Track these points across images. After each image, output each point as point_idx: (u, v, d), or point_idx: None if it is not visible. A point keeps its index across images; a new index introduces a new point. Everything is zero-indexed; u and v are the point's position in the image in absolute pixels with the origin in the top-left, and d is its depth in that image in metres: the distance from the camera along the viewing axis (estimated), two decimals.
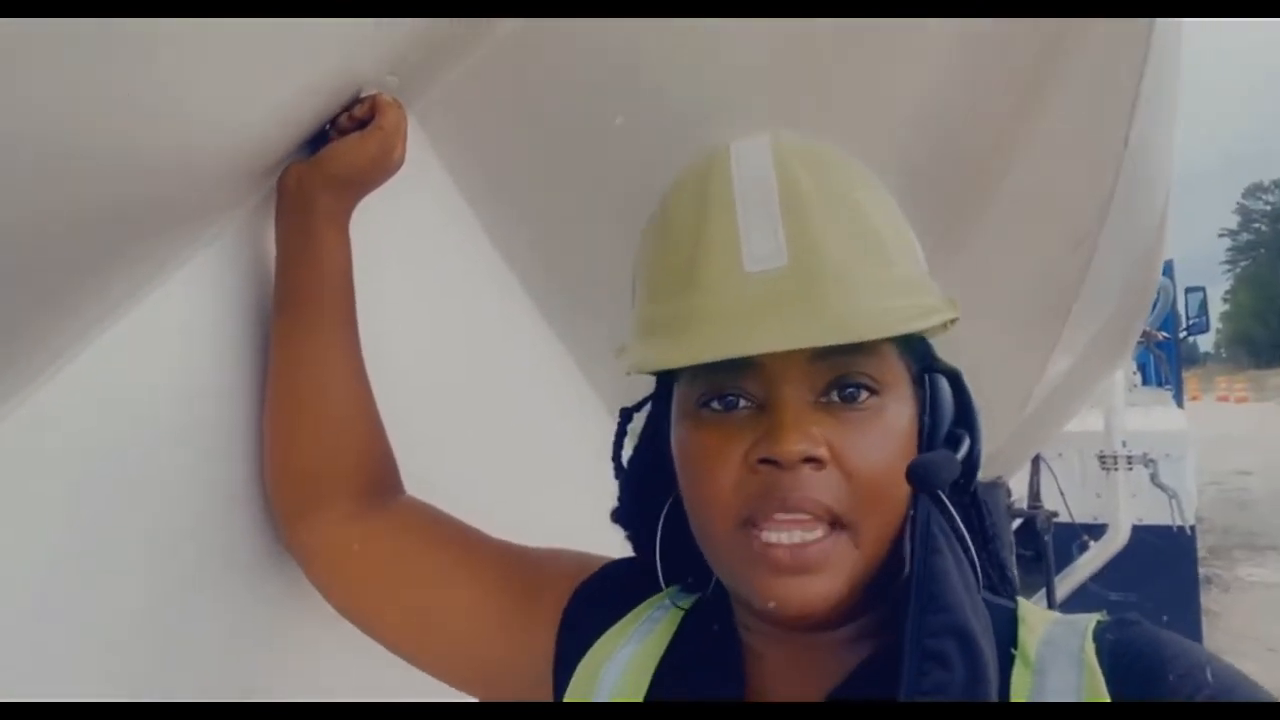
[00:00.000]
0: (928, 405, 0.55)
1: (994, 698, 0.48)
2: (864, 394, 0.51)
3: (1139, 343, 3.86)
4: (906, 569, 0.52)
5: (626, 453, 0.65)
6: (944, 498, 0.53)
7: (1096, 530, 3.57)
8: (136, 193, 0.53)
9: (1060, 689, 0.48)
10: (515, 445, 1.07)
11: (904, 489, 0.52)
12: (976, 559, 0.55)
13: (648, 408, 0.63)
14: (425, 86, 0.80)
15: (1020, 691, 0.48)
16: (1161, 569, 3.94)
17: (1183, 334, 8.22)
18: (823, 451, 0.49)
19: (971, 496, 0.57)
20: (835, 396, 0.51)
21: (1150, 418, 4.60)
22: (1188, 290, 8.06)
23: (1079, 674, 0.48)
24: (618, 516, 0.64)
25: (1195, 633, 4.07)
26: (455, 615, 0.68)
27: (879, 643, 0.54)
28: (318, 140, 0.70)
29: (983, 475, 0.57)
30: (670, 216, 0.56)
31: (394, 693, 0.74)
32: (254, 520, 0.71)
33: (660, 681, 0.58)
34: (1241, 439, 14.12)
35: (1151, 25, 0.88)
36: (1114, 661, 0.48)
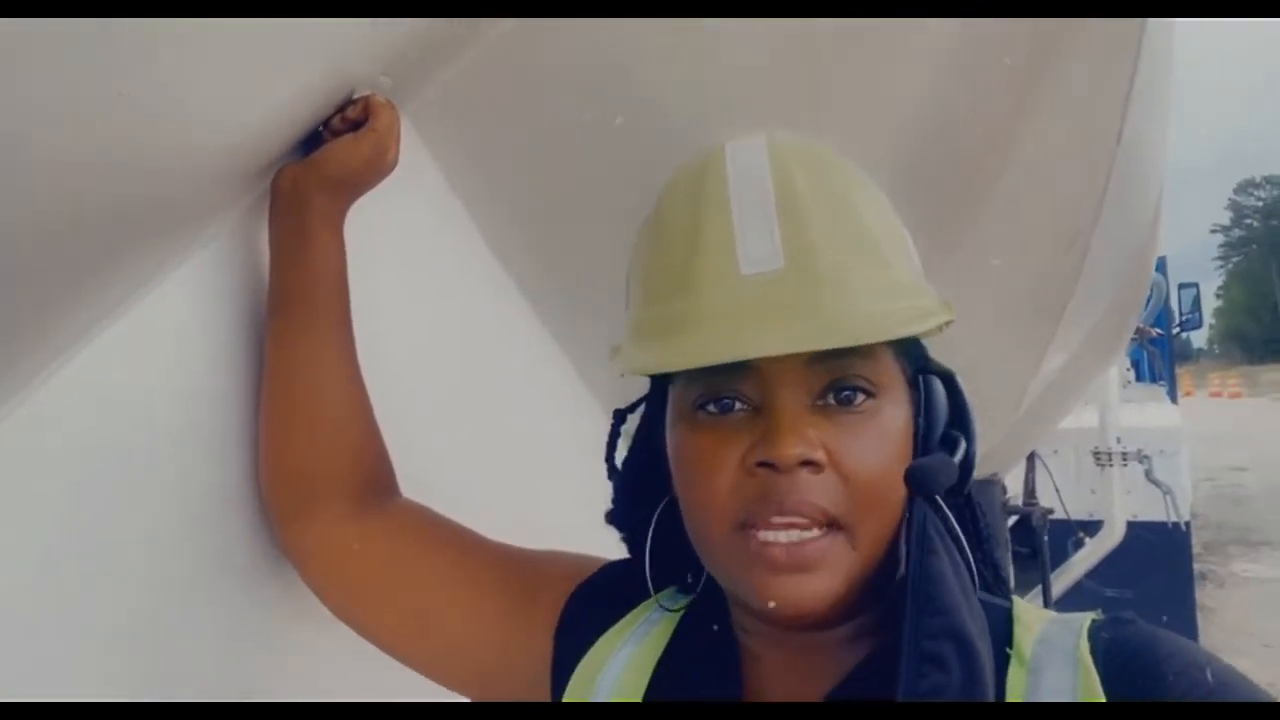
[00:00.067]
0: (923, 407, 0.55)
1: (990, 699, 0.48)
2: (860, 397, 0.52)
3: (1133, 339, 3.87)
4: (902, 570, 0.52)
5: (621, 454, 0.65)
6: (939, 499, 0.53)
7: (1092, 527, 3.58)
8: (135, 193, 0.53)
9: (1055, 688, 0.48)
10: (511, 446, 1.07)
11: (900, 491, 0.52)
12: (972, 559, 0.55)
13: (642, 409, 0.63)
14: (419, 87, 0.80)
15: (1016, 691, 0.49)
16: (1157, 565, 3.96)
17: (1176, 330, 8.25)
18: (820, 455, 0.49)
19: (966, 497, 0.57)
20: (831, 399, 0.51)
21: (1144, 414, 4.61)
22: (1181, 286, 8.09)
23: (1074, 673, 0.48)
24: (612, 518, 0.64)
25: (1191, 628, 4.09)
26: (452, 617, 0.68)
27: (876, 644, 0.54)
28: (311, 142, 0.70)
29: (978, 473, 0.57)
30: (665, 218, 0.56)
31: (392, 693, 0.74)
32: (251, 521, 0.71)
33: (658, 683, 0.58)
34: (1235, 435, 14.18)
35: (1144, 24, 0.89)
36: (1109, 660, 0.48)
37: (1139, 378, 6.63)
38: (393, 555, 0.70)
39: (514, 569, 0.69)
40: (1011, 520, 3.23)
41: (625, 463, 0.64)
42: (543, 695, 0.63)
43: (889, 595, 0.53)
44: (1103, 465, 3.52)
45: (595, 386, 1.21)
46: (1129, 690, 0.47)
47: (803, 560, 0.49)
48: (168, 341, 0.65)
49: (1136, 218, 1.56)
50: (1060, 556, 3.46)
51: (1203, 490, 8.81)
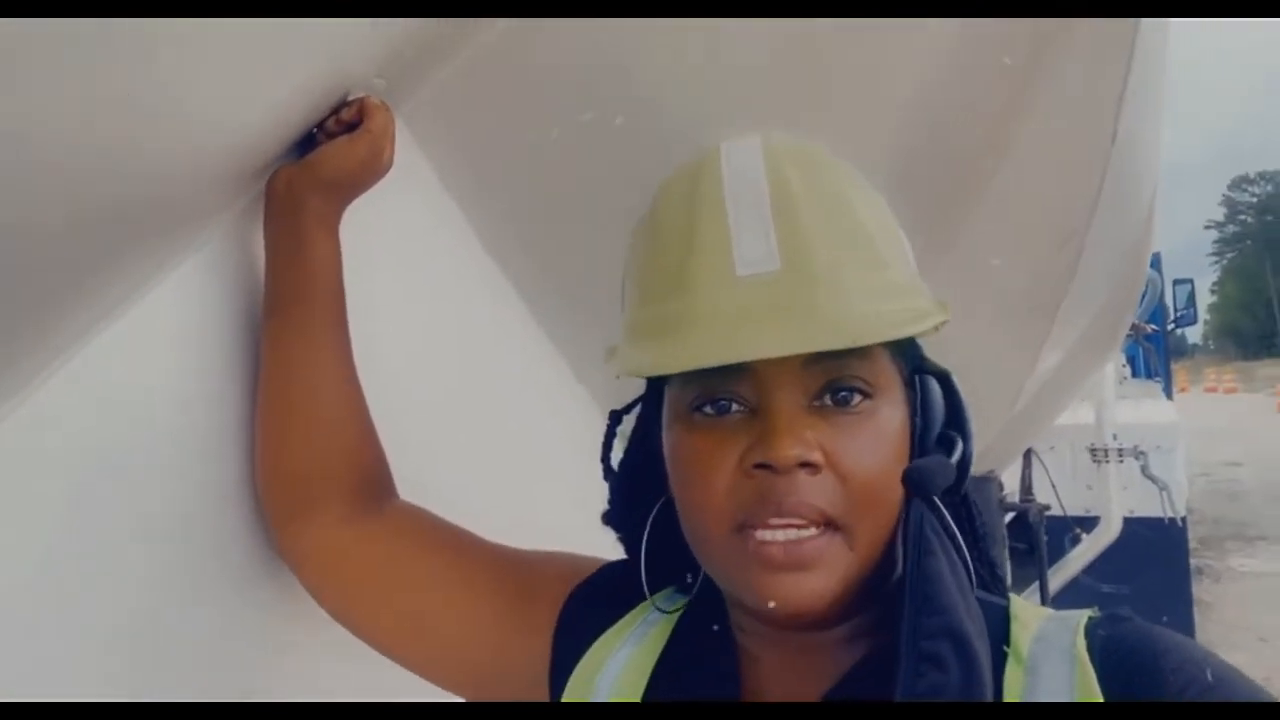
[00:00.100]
0: (919, 407, 0.55)
1: (989, 699, 0.48)
2: (857, 397, 0.52)
3: (1128, 335, 3.88)
4: (899, 570, 0.52)
5: (617, 455, 0.65)
6: (936, 499, 0.54)
7: (1088, 523, 3.59)
8: (130, 194, 0.53)
9: (1053, 686, 0.48)
10: (508, 447, 1.07)
11: (897, 492, 0.52)
12: (969, 558, 0.55)
13: (637, 410, 0.63)
14: (413, 88, 0.80)
15: (1013, 689, 0.49)
16: (1153, 561, 3.97)
17: (1171, 326, 8.28)
18: (817, 456, 0.49)
19: (963, 496, 0.57)
20: (828, 400, 0.51)
21: (1140, 410, 4.63)
22: (1175, 283, 8.11)
23: (1071, 670, 0.48)
24: (609, 519, 0.64)
25: (1187, 623, 4.10)
26: (449, 619, 0.68)
27: (874, 643, 0.54)
28: (304, 144, 0.70)
29: (975, 470, 0.57)
30: (660, 219, 0.56)
31: (391, 693, 0.74)
32: (248, 521, 0.71)
33: (656, 684, 0.58)
34: (1231, 430, 14.22)
35: (1137, 24, 0.89)
36: (1106, 657, 0.48)
37: (1135, 374, 6.66)
38: (389, 557, 0.70)
39: (511, 570, 0.69)
40: (1008, 517, 3.24)
41: (621, 463, 0.64)
42: (541, 696, 0.63)
43: (886, 595, 0.53)
44: (1099, 461, 3.53)
45: (592, 387, 1.21)
46: (1126, 687, 0.47)
47: (799, 559, 0.49)
48: (164, 343, 0.65)
49: (1131, 216, 1.57)
50: (1057, 553, 3.47)
51: (1198, 485, 8.83)
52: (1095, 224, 1.18)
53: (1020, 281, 1.28)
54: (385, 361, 0.79)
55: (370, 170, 0.70)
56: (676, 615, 0.61)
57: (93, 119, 0.44)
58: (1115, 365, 4.19)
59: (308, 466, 0.70)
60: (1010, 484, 3.33)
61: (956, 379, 0.57)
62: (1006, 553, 3.08)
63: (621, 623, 0.62)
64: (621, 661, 0.59)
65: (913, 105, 0.91)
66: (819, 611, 0.50)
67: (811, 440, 0.50)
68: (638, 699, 0.57)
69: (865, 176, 0.57)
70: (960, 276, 1.06)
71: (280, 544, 0.72)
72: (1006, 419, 1.88)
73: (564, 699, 0.60)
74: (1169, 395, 6.42)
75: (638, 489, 0.61)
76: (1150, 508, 3.80)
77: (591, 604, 0.64)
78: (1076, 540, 3.55)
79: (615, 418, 0.65)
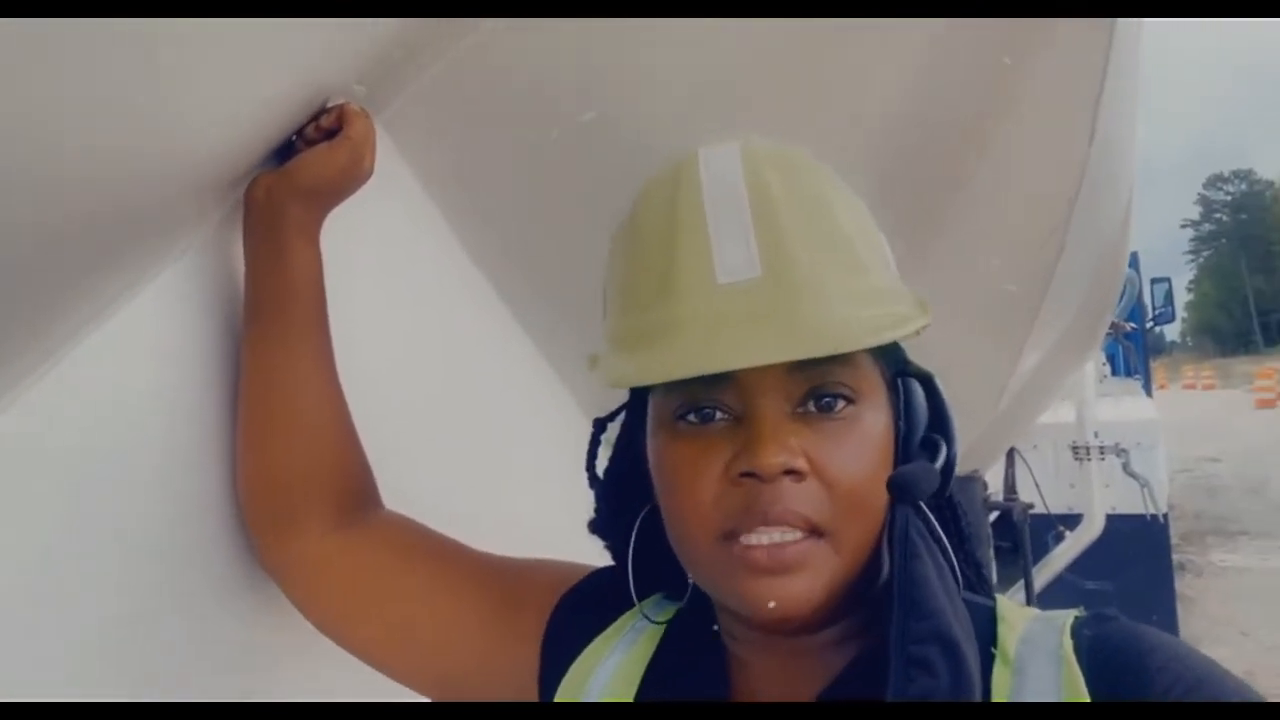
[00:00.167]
0: (903, 411, 0.55)
1: (978, 701, 0.48)
2: (841, 403, 0.52)
3: (1108, 334, 3.91)
4: (886, 574, 0.52)
5: (602, 463, 0.64)
6: (921, 503, 0.54)
7: (1071, 520, 3.61)
8: (107, 203, 0.52)
9: (1039, 686, 0.48)
10: (494, 454, 1.06)
11: (883, 496, 0.52)
12: (955, 560, 0.55)
13: (622, 417, 0.63)
14: (393, 94, 0.79)
15: (1000, 690, 0.49)
16: (1136, 557, 4.00)
17: (1150, 324, 8.36)
18: (801, 463, 0.50)
19: (948, 498, 0.57)
20: (812, 407, 0.51)
21: (1121, 408, 4.67)
22: (1153, 281, 8.21)
23: (1058, 671, 0.48)
24: (595, 527, 0.64)
25: (1171, 619, 4.13)
26: (437, 629, 0.67)
27: (862, 646, 0.54)
28: (283, 151, 0.70)
29: (959, 469, 0.57)
30: (640, 226, 0.55)
31: (390, 693, 0.73)
32: (230, 529, 0.71)
33: (646, 692, 0.58)
34: (1210, 426, 14.38)
35: (1114, 25, 0.90)
36: (1092, 657, 0.48)
37: (1114, 372, 6.71)
38: (375, 568, 0.69)
39: (498, 579, 0.68)
40: (993, 516, 3.26)
41: (606, 471, 0.63)
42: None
43: (873, 598, 0.53)
44: (1081, 459, 3.55)
45: (578, 392, 1.21)
46: (1112, 687, 0.47)
47: (783, 562, 0.49)
48: (143, 354, 0.64)
49: (1109, 215, 1.58)
50: (1041, 551, 3.49)
51: (1179, 481, 8.92)
52: (1074, 224, 1.20)
53: (1001, 282, 1.28)
54: (368, 369, 0.78)
55: (351, 178, 0.69)
56: (663, 621, 0.61)
57: (65, 126, 0.43)
58: (1095, 364, 4.22)
59: (290, 476, 0.69)
60: (994, 483, 3.35)
61: (939, 381, 0.57)
62: (991, 552, 3.10)
63: (610, 630, 0.62)
64: (610, 669, 0.59)
65: (892, 108, 0.91)
66: (804, 615, 0.50)
67: (796, 447, 0.50)
68: None
69: (846, 180, 0.58)
70: (942, 278, 1.07)
71: (263, 556, 0.71)
72: (990, 419, 1.89)
73: None
74: (1149, 393, 6.50)
75: (623, 497, 0.60)
76: (1132, 504, 3.83)
77: (579, 612, 0.64)
78: (1060, 538, 3.57)
79: (599, 425, 0.64)
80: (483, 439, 1.04)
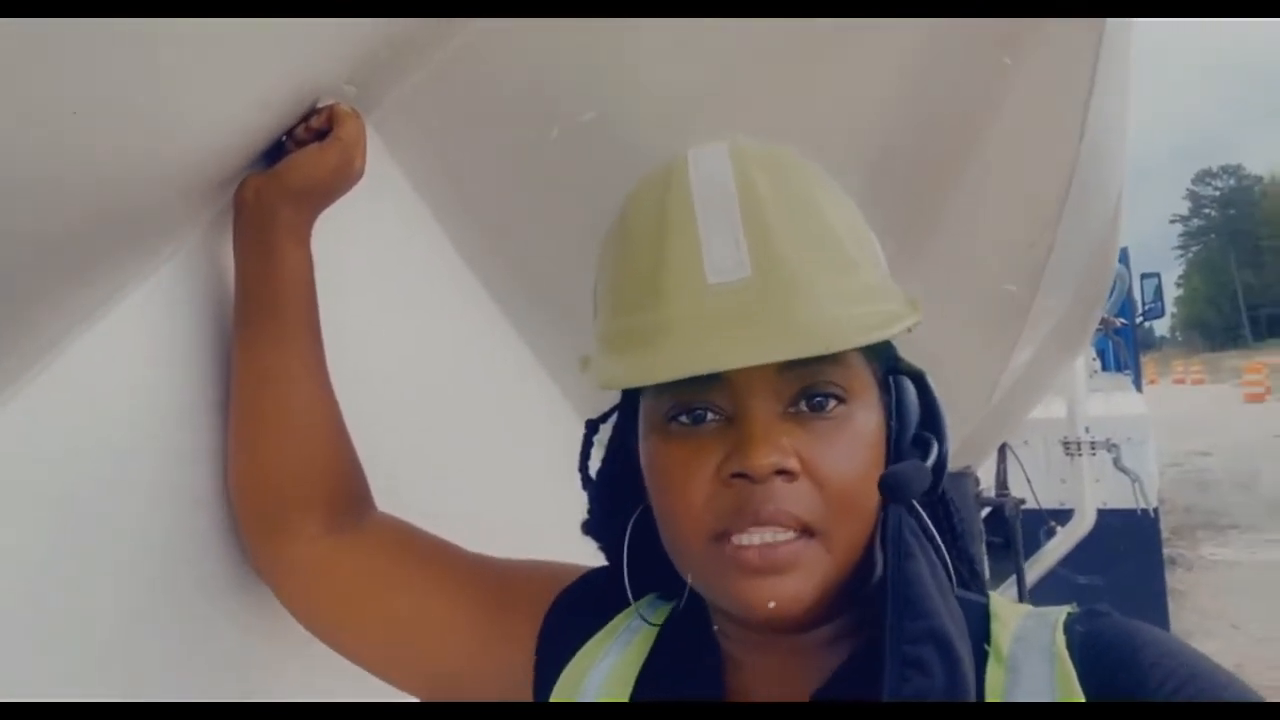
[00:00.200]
0: (894, 409, 0.55)
1: (972, 700, 0.48)
2: (832, 403, 0.52)
3: (1098, 329, 3.93)
4: (879, 571, 0.52)
5: (595, 464, 0.64)
6: (914, 500, 0.54)
7: (1063, 515, 3.62)
8: (95, 205, 0.52)
9: (1033, 684, 0.48)
10: (486, 455, 1.06)
11: (875, 495, 0.52)
12: (948, 557, 0.55)
13: (614, 418, 0.63)
14: (383, 94, 0.79)
15: (994, 687, 0.49)
16: (1127, 551, 4.02)
17: (1139, 320, 8.41)
18: (793, 463, 0.50)
19: (940, 495, 0.58)
20: (803, 406, 0.51)
21: (1111, 403, 4.69)
22: (1143, 276, 8.25)
23: (1051, 668, 0.48)
24: (589, 528, 0.64)
25: (1162, 612, 4.16)
26: (431, 632, 0.67)
27: (857, 644, 0.54)
28: (273, 152, 0.69)
29: (951, 466, 0.57)
30: (630, 227, 0.55)
31: (386, 694, 0.73)
32: (222, 534, 0.70)
33: (641, 692, 0.58)
34: (1199, 421, 14.46)
35: (1104, 23, 0.90)
36: (1085, 653, 0.49)
37: (1105, 367, 6.74)
38: (368, 571, 0.69)
39: (492, 581, 0.68)
40: (985, 512, 3.27)
41: (599, 473, 0.63)
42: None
43: (867, 596, 0.53)
44: (1072, 455, 3.57)
45: (570, 393, 1.21)
46: (1105, 682, 0.47)
47: (775, 562, 0.49)
48: (134, 356, 0.64)
49: (1100, 212, 1.59)
50: (1033, 546, 3.51)
51: (1169, 476, 8.97)
52: (1065, 221, 1.20)
53: (993, 280, 1.29)
54: (360, 370, 0.78)
55: (341, 178, 0.69)
56: (658, 623, 0.61)
57: (53, 127, 0.43)
58: (1086, 359, 4.24)
59: (281, 478, 0.69)
60: (986, 479, 3.36)
61: (931, 378, 0.57)
62: (984, 548, 3.11)
63: (604, 631, 0.62)
64: (605, 670, 0.59)
65: (883, 107, 0.91)
66: (796, 615, 0.50)
67: (788, 447, 0.50)
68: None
69: (838, 179, 0.58)
70: (934, 275, 1.07)
71: (256, 560, 0.71)
72: (982, 415, 1.90)
73: None
74: (1139, 388, 6.52)
75: (616, 498, 0.60)
76: (1123, 499, 3.85)
77: (574, 613, 0.64)
78: (1052, 533, 3.58)
79: (591, 427, 0.64)
80: (475, 440, 1.04)
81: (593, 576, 0.66)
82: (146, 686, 0.62)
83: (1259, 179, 74.77)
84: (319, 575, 0.69)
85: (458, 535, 0.72)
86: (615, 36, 0.78)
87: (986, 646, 0.51)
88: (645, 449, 0.55)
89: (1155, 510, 4.14)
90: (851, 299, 0.51)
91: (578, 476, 0.64)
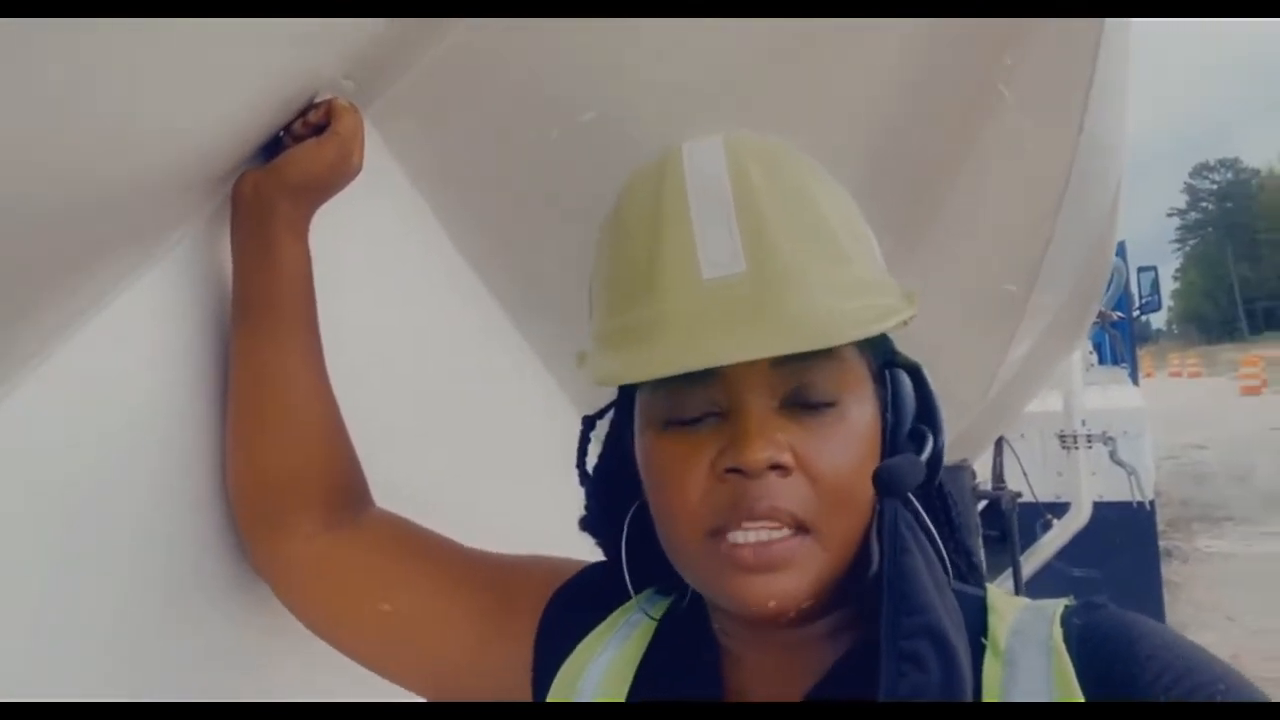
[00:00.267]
0: (890, 403, 0.55)
1: (969, 695, 0.48)
2: (827, 397, 0.52)
3: (1095, 323, 3.93)
4: (874, 566, 0.52)
5: (592, 460, 0.64)
6: (910, 494, 0.54)
7: (1059, 508, 3.63)
8: (94, 199, 0.52)
9: (1030, 678, 0.48)
10: (485, 451, 1.06)
11: (869, 490, 0.52)
12: (945, 550, 0.55)
13: (610, 414, 0.63)
14: (381, 89, 0.79)
15: (992, 681, 0.49)
16: (1123, 544, 4.03)
17: (1136, 313, 8.41)
18: (787, 458, 0.50)
19: (937, 488, 0.58)
20: (798, 401, 0.51)
21: (1107, 396, 4.70)
22: (1140, 270, 8.25)
23: (1048, 661, 0.49)
24: (586, 524, 0.64)
25: (1158, 605, 4.17)
26: (430, 628, 0.67)
27: (855, 639, 0.54)
28: (271, 147, 0.69)
29: (948, 458, 0.57)
30: (625, 222, 0.55)
31: (385, 693, 0.73)
32: (220, 531, 0.70)
33: (639, 688, 0.58)
34: (1196, 414, 14.49)
35: (1103, 20, 0.90)
36: (1081, 646, 0.49)
37: (1101, 360, 6.75)
38: (367, 568, 0.69)
39: (491, 576, 0.68)
40: (981, 505, 3.28)
41: (596, 468, 0.63)
42: (523, 700, 0.63)
43: (864, 590, 0.53)
44: (1068, 448, 3.58)
45: (568, 388, 1.21)
46: (1102, 675, 0.47)
47: (769, 560, 0.49)
48: (131, 351, 0.64)
49: (1097, 206, 1.59)
50: (1029, 539, 3.52)
51: (1165, 469, 8.99)
52: (1063, 215, 1.20)
53: (990, 273, 1.29)
54: (358, 366, 0.78)
55: (339, 173, 0.69)
56: (658, 617, 0.61)
57: (51, 122, 0.43)
58: (1082, 352, 4.25)
59: (279, 474, 0.69)
60: (982, 472, 3.36)
61: (927, 372, 0.57)
62: (980, 541, 3.12)
63: (603, 626, 0.62)
64: (604, 666, 0.59)
65: (882, 101, 0.91)
66: (791, 611, 0.50)
67: (782, 442, 0.50)
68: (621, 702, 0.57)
69: (836, 173, 0.58)
70: (931, 269, 1.07)
71: (254, 557, 0.70)
72: (979, 409, 1.90)
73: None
74: (1135, 381, 6.53)
75: (613, 493, 0.60)
76: (1119, 492, 3.86)
77: (572, 608, 0.64)
78: (1048, 526, 3.59)
79: (588, 423, 0.64)
80: (474, 436, 1.04)
81: (591, 571, 0.66)
82: (146, 686, 0.62)
83: (1256, 172, 74.77)
84: (317, 572, 0.69)
85: (456, 531, 0.72)
86: (615, 36, 0.78)
87: (983, 640, 0.51)
88: (641, 445, 0.55)
89: (1151, 503, 4.15)
90: (846, 293, 0.51)
91: (575, 472, 0.64)
